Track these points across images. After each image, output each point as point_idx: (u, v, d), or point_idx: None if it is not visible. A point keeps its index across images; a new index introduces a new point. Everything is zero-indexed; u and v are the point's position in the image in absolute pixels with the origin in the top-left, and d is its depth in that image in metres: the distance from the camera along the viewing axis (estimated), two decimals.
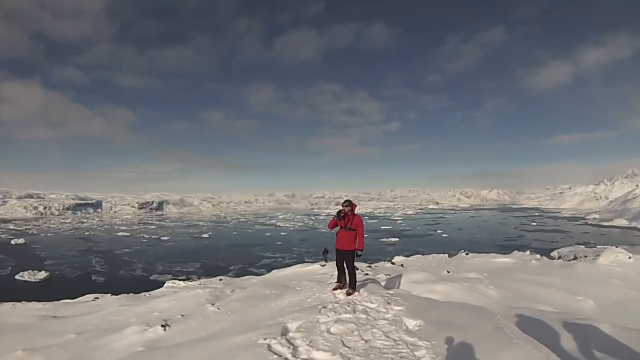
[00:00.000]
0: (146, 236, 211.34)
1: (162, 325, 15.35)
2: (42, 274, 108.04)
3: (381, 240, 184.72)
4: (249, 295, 19.40)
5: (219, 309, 17.03)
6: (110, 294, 38.40)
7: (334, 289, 15.88)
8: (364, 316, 12.01)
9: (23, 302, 33.45)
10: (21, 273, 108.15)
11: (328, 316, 12.10)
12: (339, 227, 15.61)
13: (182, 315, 16.72)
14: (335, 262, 16.16)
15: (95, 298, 34.19)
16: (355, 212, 15.36)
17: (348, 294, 14.89)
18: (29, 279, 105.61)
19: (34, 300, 33.30)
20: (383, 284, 20.23)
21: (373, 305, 13.15)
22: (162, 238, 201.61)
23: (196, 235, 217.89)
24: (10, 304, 31.69)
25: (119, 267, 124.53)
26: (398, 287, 19.22)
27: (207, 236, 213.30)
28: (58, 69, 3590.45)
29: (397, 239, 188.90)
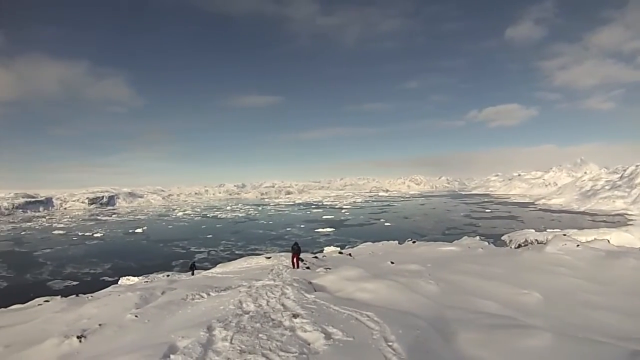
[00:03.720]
0: (79, 233, 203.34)
1: (78, 337, 14.92)
2: None
3: (316, 230, 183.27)
4: (170, 300, 18.97)
5: (136, 316, 16.50)
6: (60, 296, 37.54)
7: None
8: (264, 336, 11.02)
9: None
10: None
11: (223, 332, 11.38)
12: None
13: (99, 325, 16.25)
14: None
15: (45, 301, 33.79)
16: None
17: None
18: None
19: None
20: (315, 280, 19.98)
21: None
22: (95, 235, 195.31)
23: (130, 231, 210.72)
24: None
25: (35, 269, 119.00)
26: (328, 286, 18.85)
27: (141, 231, 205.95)
28: None
29: (333, 229, 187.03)
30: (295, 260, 29.46)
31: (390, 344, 9.61)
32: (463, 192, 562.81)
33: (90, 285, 76.32)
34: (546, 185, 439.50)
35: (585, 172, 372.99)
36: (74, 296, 33.49)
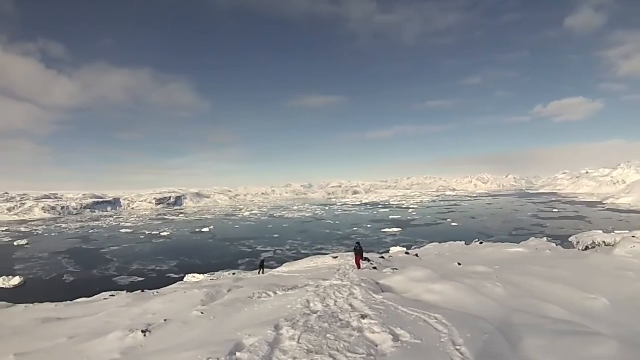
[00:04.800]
0: (146, 232, 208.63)
1: (143, 331, 15.37)
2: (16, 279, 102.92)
3: (382, 231, 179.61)
4: (237, 298, 19.25)
5: (202, 313, 16.85)
6: (125, 292, 38.75)
7: None
8: (332, 337, 10.85)
9: (36, 303, 34.00)
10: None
11: (291, 332, 11.26)
12: None
13: (165, 320, 16.69)
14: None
15: (111, 295, 35.07)
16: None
17: None
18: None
19: (47, 301, 33.88)
20: (382, 281, 19.69)
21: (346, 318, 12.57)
22: (162, 234, 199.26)
23: (196, 230, 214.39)
24: (23, 305, 32.31)
25: (94, 267, 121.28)
26: (395, 287, 18.56)
27: (208, 230, 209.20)
28: None
29: (399, 229, 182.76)
30: (358, 261, 29.24)
31: (458, 347, 9.47)
32: (530, 191, 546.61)
33: (156, 281, 78.60)
34: (614, 184, 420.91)
35: None
36: (139, 292, 34.46)
